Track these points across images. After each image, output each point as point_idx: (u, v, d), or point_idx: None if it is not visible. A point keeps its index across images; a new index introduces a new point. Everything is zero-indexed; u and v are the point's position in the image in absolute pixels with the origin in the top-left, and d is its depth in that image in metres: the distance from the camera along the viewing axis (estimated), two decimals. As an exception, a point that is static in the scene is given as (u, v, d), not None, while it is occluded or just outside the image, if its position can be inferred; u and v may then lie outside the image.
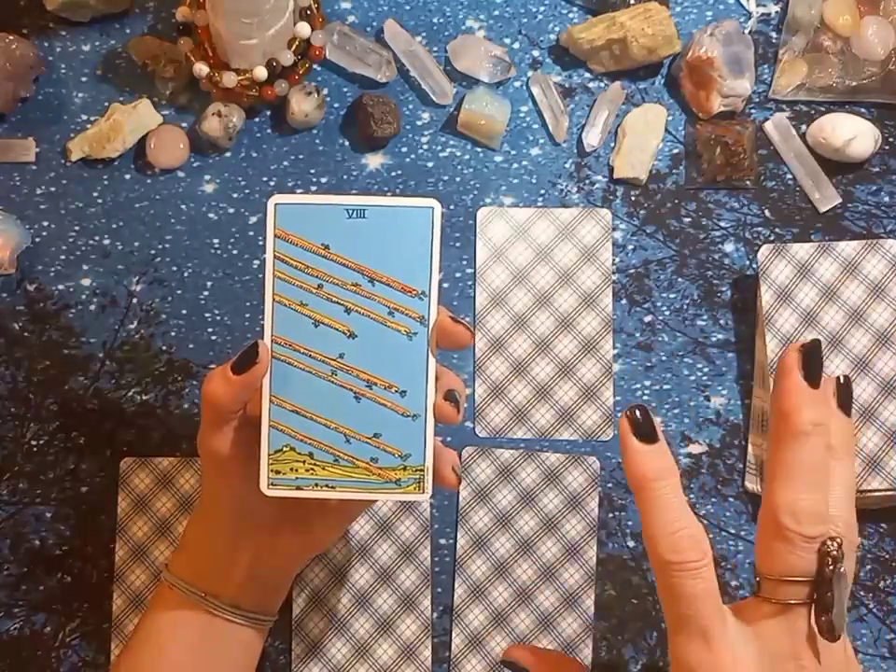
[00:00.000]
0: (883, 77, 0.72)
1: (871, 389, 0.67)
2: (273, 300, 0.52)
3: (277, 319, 0.52)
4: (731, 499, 0.70)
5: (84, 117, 0.73)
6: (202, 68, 0.69)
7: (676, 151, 0.73)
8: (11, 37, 0.70)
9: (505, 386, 0.70)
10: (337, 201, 0.52)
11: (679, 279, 0.72)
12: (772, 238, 0.72)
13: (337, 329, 0.52)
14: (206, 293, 0.71)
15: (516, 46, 0.74)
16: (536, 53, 0.74)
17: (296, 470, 0.52)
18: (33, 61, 0.71)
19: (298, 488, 0.52)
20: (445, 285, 0.71)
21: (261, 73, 0.69)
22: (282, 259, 0.52)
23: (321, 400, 0.52)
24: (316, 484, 0.53)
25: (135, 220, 0.72)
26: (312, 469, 0.52)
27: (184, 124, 0.72)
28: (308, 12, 0.70)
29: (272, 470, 0.53)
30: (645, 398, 0.70)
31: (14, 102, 0.71)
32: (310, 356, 0.52)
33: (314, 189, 0.72)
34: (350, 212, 0.52)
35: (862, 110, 0.73)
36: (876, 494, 0.66)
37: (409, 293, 0.52)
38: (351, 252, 0.52)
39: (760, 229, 0.72)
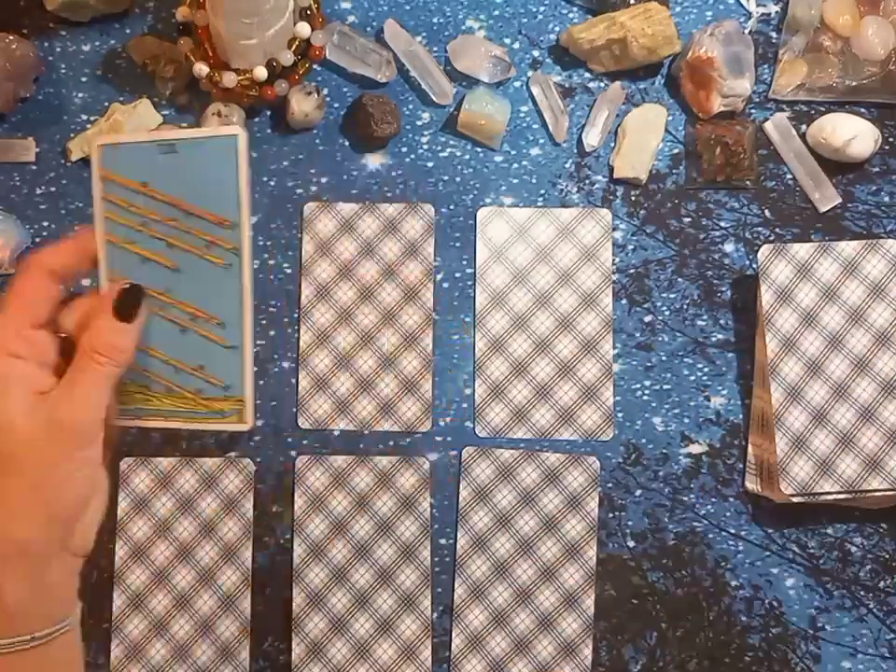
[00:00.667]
0: (883, 77, 0.72)
1: (871, 389, 0.67)
2: (105, 240, 0.53)
3: (109, 258, 0.53)
4: (731, 499, 0.70)
5: (84, 117, 0.73)
6: (202, 68, 0.69)
7: (676, 151, 0.73)
8: (11, 37, 0.70)
9: (505, 386, 0.70)
10: (150, 138, 0.53)
11: (679, 279, 0.72)
12: (772, 238, 0.72)
13: (162, 265, 0.53)
14: (206, 293, 0.71)
15: (516, 46, 0.74)
16: (536, 53, 0.74)
17: (135, 401, 0.54)
18: (33, 61, 0.71)
19: (138, 418, 0.54)
20: (445, 285, 0.71)
21: (261, 73, 0.69)
22: (108, 200, 0.53)
23: (153, 334, 0.53)
24: (151, 414, 0.54)
25: (135, 220, 0.72)
26: (148, 399, 0.54)
27: (184, 124, 0.72)
28: (308, 12, 0.70)
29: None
30: (645, 398, 0.70)
31: (14, 102, 0.71)
32: None
33: (314, 189, 0.72)
34: (161, 148, 0.52)
35: (862, 110, 0.73)
36: (876, 494, 0.66)
37: (222, 224, 0.52)
38: (167, 187, 0.52)
39: (760, 229, 0.72)
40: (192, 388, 0.54)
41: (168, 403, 0.54)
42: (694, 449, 0.70)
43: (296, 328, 0.71)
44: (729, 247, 0.72)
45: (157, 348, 0.54)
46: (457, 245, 0.72)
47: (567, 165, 0.73)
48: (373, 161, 0.73)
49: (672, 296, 0.71)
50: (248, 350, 0.53)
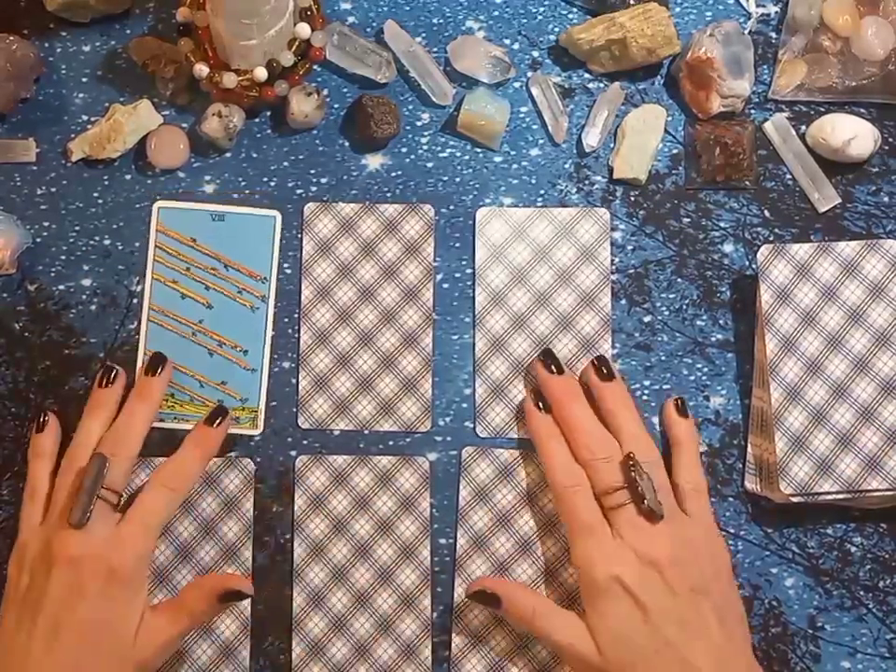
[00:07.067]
0: (883, 77, 0.72)
1: (870, 389, 0.67)
2: (152, 278, 0.68)
3: (155, 292, 0.68)
4: (730, 499, 0.70)
5: (84, 117, 0.73)
6: (202, 69, 0.69)
7: (675, 152, 0.73)
8: (12, 38, 0.70)
9: (505, 386, 0.70)
10: (203, 207, 0.69)
11: (679, 279, 0.72)
12: (771, 238, 0.72)
13: (198, 301, 0.68)
14: (206, 293, 0.71)
15: (516, 46, 0.74)
16: (535, 54, 0.74)
17: (161, 408, 0.66)
18: (33, 61, 0.71)
19: (161, 420, 0.67)
20: (445, 285, 0.72)
21: (261, 73, 0.69)
22: (161, 248, 0.68)
23: (183, 354, 0.67)
24: (175, 418, 0.67)
25: (135, 220, 0.72)
26: (172, 406, 0.67)
27: (184, 125, 0.73)
28: (308, 13, 0.70)
29: None
30: (645, 398, 0.70)
31: (14, 102, 0.71)
32: (177, 320, 0.68)
33: (314, 189, 0.72)
34: (213, 216, 0.69)
35: (862, 110, 0.73)
36: (876, 494, 0.66)
37: (254, 277, 0.68)
38: (212, 244, 0.68)
39: (759, 229, 0.72)
40: (214, 399, 0.67)
41: (190, 410, 0.67)
42: (694, 449, 0.70)
43: (296, 328, 0.71)
44: (728, 248, 0.72)
45: (185, 365, 0.67)
46: (457, 245, 0.72)
47: (567, 166, 0.73)
48: (373, 161, 0.73)
49: (671, 296, 0.71)
50: (265, 371, 0.68)
